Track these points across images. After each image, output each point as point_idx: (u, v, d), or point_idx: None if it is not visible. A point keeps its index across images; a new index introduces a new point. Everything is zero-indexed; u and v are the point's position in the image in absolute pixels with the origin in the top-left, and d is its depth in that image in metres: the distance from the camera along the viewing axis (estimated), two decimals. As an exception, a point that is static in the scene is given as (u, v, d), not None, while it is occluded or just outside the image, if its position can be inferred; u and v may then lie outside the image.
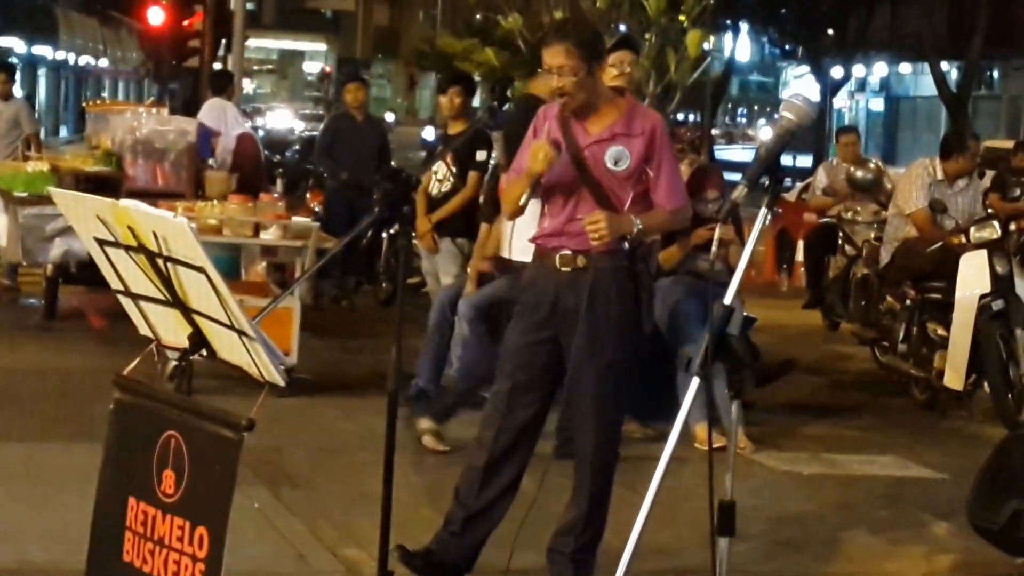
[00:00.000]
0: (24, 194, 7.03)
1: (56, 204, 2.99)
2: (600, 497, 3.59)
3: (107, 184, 7.00)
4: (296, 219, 6.49)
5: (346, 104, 9.34)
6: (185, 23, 14.71)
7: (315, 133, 15.07)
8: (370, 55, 44.53)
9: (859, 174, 8.23)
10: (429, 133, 17.60)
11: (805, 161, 25.68)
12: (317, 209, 9.43)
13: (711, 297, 4.68)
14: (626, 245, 3.53)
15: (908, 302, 6.65)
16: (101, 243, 2.72)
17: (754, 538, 4.13)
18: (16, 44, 31.91)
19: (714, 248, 5.22)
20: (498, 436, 3.55)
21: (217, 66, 14.82)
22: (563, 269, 3.55)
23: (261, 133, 16.44)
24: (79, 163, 7.53)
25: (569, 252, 3.54)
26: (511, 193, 3.61)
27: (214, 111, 8.95)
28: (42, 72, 36.14)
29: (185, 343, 2.72)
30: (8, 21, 30.11)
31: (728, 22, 28.33)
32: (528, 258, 3.70)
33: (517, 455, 3.58)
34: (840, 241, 8.12)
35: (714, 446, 2.83)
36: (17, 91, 10.19)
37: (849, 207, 8.17)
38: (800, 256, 9.75)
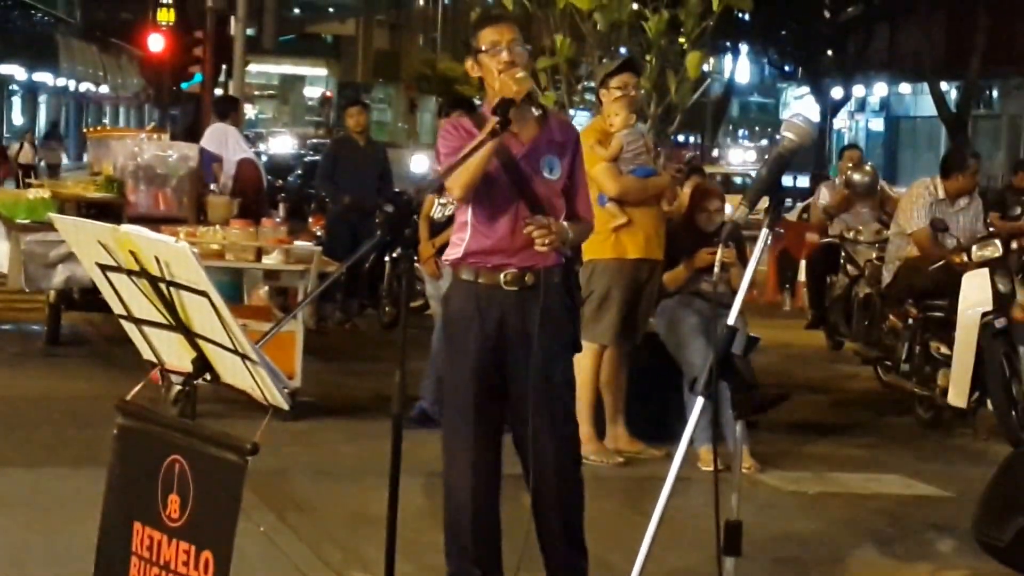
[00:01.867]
0: (26, 221, 7.07)
1: (58, 230, 2.99)
2: (579, 508, 3.47)
3: (109, 210, 7.05)
4: (298, 243, 6.53)
5: (348, 128, 9.41)
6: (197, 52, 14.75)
7: (317, 158, 15.16)
8: (370, 79, 44.77)
9: (856, 177, 8.41)
10: (420, 164, 17.01)
11: (806, 181, 25.85)
12: (319, 233, 9.46)
13: (712, 315, 4.71)
14: (562, 259, 3.41)
15: (911, 321, 6.68)
16: (103, 268, 2.72)
17: (760, 557, 4.11)
18: (17, 71, 32.14)
19: (716, 270, 5.24)
20: (476, 481, 3.40)
21: (219, 92, 14.92)
22: (509, 288, 3.34)
23: (264, 158, 16.51)
24: (81, 189, 7.58)
25: (516, 270, 3.35)
26: (469, 160, 3.21)
27: (216, 136, 9.00)
28: (43, 99, 36.37)
29: (189, 367, 2.72)
30: (9, 48, 30.34)
31: (728, 44, 28.51)
32: None
33: (496, 487, 3.47)
34: (842, 261, 8.16)
35: (719, 466, 2.83)
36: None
37: (851, 227, 8.24)
38: (802, 276, 9.82)
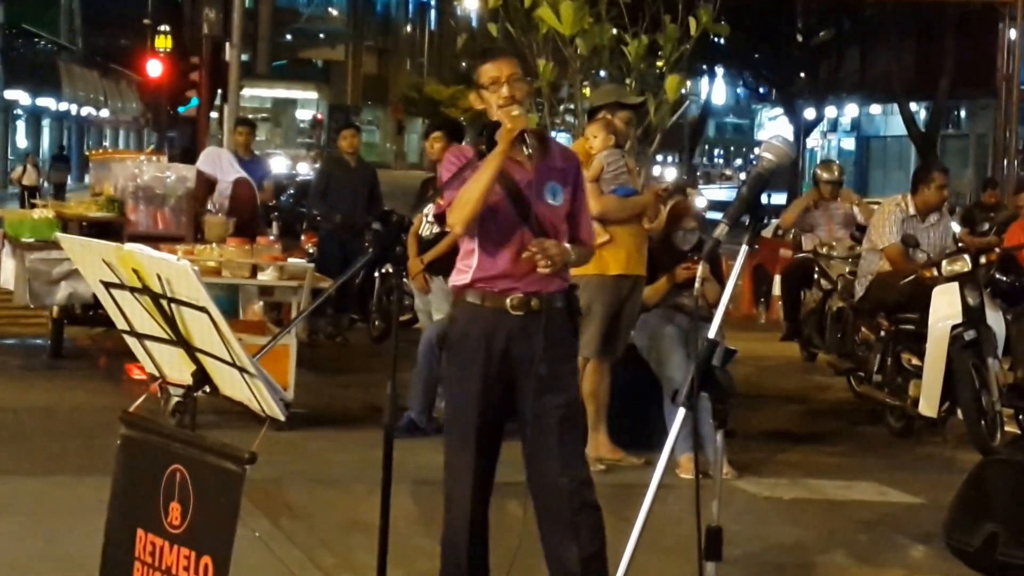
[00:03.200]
0: (31, 239, 7.21)
1: (63, 249, 3.09)
2: (598, 539, 3.35)
3: (110, 229, 7.18)
4: (292, 260, 6.66)
5: (340, 149, 9.59)
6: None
7: (308, 178, 15.33)
8: (360, 102, 45.10)
9: (825, 175, 8.65)
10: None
11: (780, 199, 26.26)
12: (311, 250, 9.63)
13: (692, 328, 4.84)
14: (565, 284, 3.41)
15: (882, 333, 6.77)
16: (107, 285, 2.77)
17: (738, 562, 4.20)
18: (21, 96, 32.36)
19: (697, 284, 5.37)
20: (475, 500, 3.40)
21: (214, 115, 15.12)
22: (515, 313, 3.34)
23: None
24: (83, 209, 7.74)
25: (521, 295, 3.35)
26: (469, 192, 3.28)
27: (210, 158, 9.20)
28: (46, 123, 36.58)
29: (189, 380, 2.80)
30: (14, 74, 30.58)
31: (704, 67, 28.75)
32: None
33: (487, 504, 3.46)
34: (816, 275, 8.25)
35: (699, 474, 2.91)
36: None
37: (825, 243, 8.42)
38: (777, 290, 9.97)
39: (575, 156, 3.57)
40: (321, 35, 46.29)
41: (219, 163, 8.99)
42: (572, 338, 3.46)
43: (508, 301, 3.37)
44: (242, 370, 2.68)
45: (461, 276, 3.44)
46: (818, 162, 9.37)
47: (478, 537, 3.45)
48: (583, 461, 3.43)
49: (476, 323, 3.38)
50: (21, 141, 34.77)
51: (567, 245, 3.40)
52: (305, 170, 23.24)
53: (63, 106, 34.71)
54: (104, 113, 37.61)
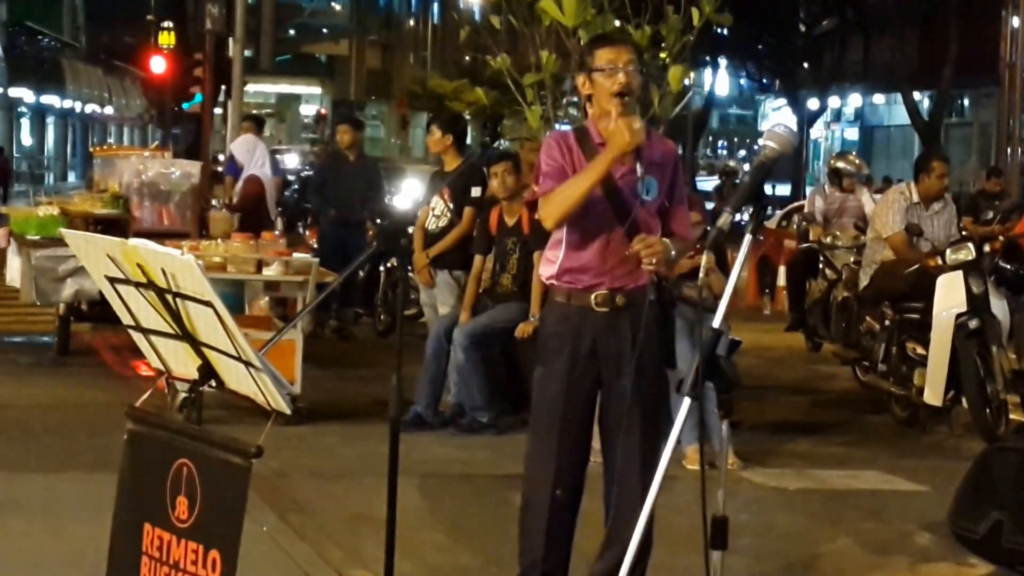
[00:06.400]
0: (36, 237, 7.24)
1: (68, 245, 3.08)
2: (647, 533, 3.22)
3: (115, 225, 7.23)
4: (297, 255, 6.68)
5: (339, 144, 9.64)
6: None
7: (311, 173, 15.35)
8: (363, 97, 45.14)
9: (840, 164, 8.61)
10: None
11: (783, 189, 26.29)
12: (316, 245, 9.67)
13: (695, 319, 4.85)
14: (654, 277, 3.34)
15: (887, 322, 6.77)
16: (112, 281, 2.76)
17: (744, 551, 4.23)
18: (25, 94, 32.47)
19: (701, 275, 5.38)
20: (554, 493, 3.36)
21: (218, 111, 15.17)
22: (599, 310, 3.32)
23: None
24: (88, 206, 7.78)
25: (606, 291, 3.32)
26: (569, 192, 3.24)
27: (246, 145, 9.31)
28: (50, 120, 36.67)
29: (194, 374, 2.81)
30: (18, 72, 30.67)
31: (708, 58, 28.75)
32: None
33: (574, 504, 3.42)
34: (820, 265, 8.27)
35: (704, 464, 2.94)
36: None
37: (829, 232, 8.43)
38: (782, 281, 10.00)
39: (673, 150, 3.48)
40: (324, 30, 46.30)
41: (251, 154, 9.10)
42: (660, 333, 3.35)
43: (593, 298, 3.34)
44: (248, 364, 2.69)
45: (548, 267, 3.41)
46: (836, 154, 9.28)
47: (557, 540, 3.39)
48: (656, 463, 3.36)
49: (563, 322, 3.36)
50: (26, 139, 34.90)
51: (667, 240, 3.32)
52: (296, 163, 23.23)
53: (67, 103, 34.82)
54: (108, 110, 37.70)
